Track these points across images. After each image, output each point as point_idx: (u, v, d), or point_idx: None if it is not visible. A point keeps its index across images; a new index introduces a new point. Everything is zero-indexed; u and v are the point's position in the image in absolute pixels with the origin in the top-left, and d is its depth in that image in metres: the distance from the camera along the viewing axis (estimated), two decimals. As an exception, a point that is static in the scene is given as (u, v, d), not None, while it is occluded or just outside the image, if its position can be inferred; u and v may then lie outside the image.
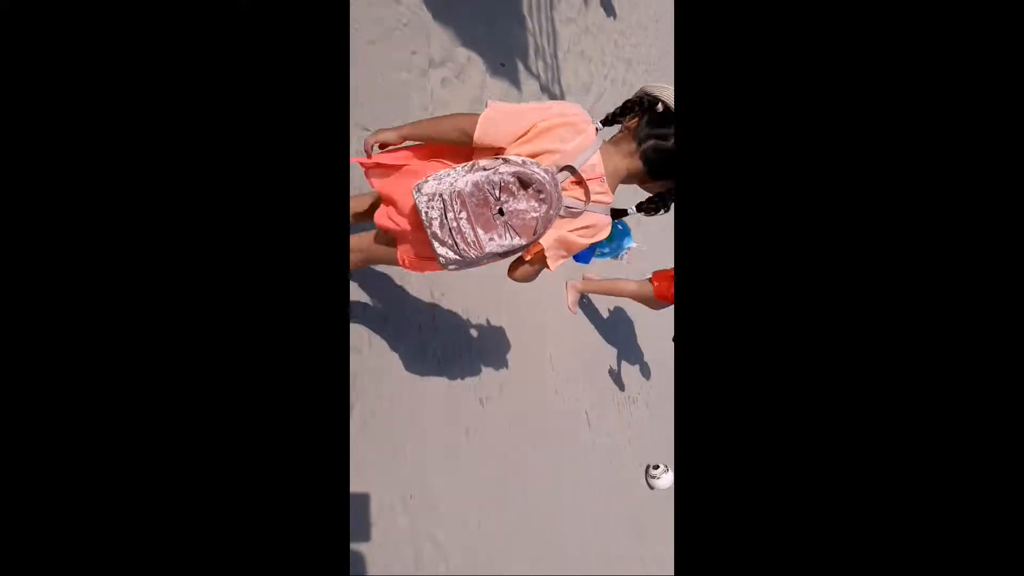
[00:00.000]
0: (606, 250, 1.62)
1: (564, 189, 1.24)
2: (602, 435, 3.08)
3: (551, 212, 1.21)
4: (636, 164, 1.28)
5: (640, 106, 1.29)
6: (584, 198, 1.26)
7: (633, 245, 1.67)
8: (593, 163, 1.26)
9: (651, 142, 1.26)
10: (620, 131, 1.33)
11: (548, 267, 1.34)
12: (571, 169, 1.25)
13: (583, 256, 1.49)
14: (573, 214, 1.27)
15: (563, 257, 1.34)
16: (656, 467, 3.40)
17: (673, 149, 1.23)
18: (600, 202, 1.29)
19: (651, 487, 3.38)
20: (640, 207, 1.33)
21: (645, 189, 1.37)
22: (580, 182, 1.26)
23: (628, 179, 1.32)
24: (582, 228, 1.30)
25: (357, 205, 1.60)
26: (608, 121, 1.33)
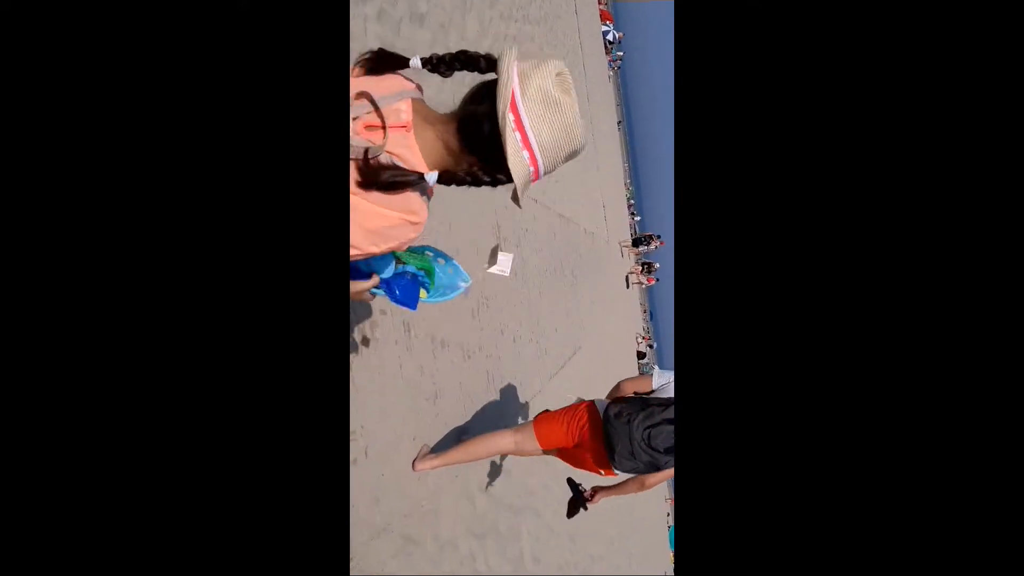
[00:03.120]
0: (438, 293, 1.32)
1: (355, 132, 0.96)
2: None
3: None
4: (451, 133, 1.00)
5: (474, 65, 0.99)
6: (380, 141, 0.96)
7: (469, 284, 1.39)
8: (399, 107, 1.00)
9: (472, 108, 0.97)
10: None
11: None
12: (368, 98, 0.97)
13: (405, 297, 1.21)
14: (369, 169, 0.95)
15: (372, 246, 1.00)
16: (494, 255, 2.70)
17: (488, 126, 0.94)
18: (399, 156, 0.96)
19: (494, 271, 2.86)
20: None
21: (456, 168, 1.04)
22: (380, 124, 0.96)
23: (443, 157, 1.02)
24: (384, 209, 0.95)
25: None
26: (434, 65, 1.01)
